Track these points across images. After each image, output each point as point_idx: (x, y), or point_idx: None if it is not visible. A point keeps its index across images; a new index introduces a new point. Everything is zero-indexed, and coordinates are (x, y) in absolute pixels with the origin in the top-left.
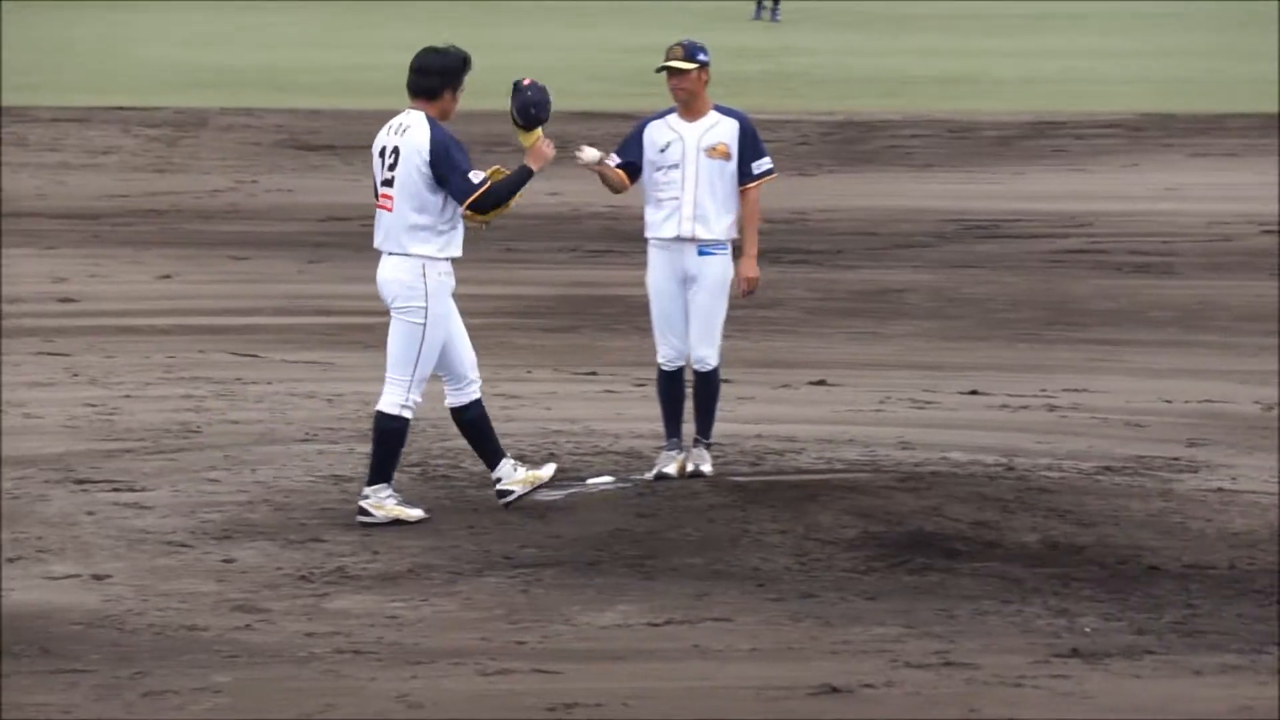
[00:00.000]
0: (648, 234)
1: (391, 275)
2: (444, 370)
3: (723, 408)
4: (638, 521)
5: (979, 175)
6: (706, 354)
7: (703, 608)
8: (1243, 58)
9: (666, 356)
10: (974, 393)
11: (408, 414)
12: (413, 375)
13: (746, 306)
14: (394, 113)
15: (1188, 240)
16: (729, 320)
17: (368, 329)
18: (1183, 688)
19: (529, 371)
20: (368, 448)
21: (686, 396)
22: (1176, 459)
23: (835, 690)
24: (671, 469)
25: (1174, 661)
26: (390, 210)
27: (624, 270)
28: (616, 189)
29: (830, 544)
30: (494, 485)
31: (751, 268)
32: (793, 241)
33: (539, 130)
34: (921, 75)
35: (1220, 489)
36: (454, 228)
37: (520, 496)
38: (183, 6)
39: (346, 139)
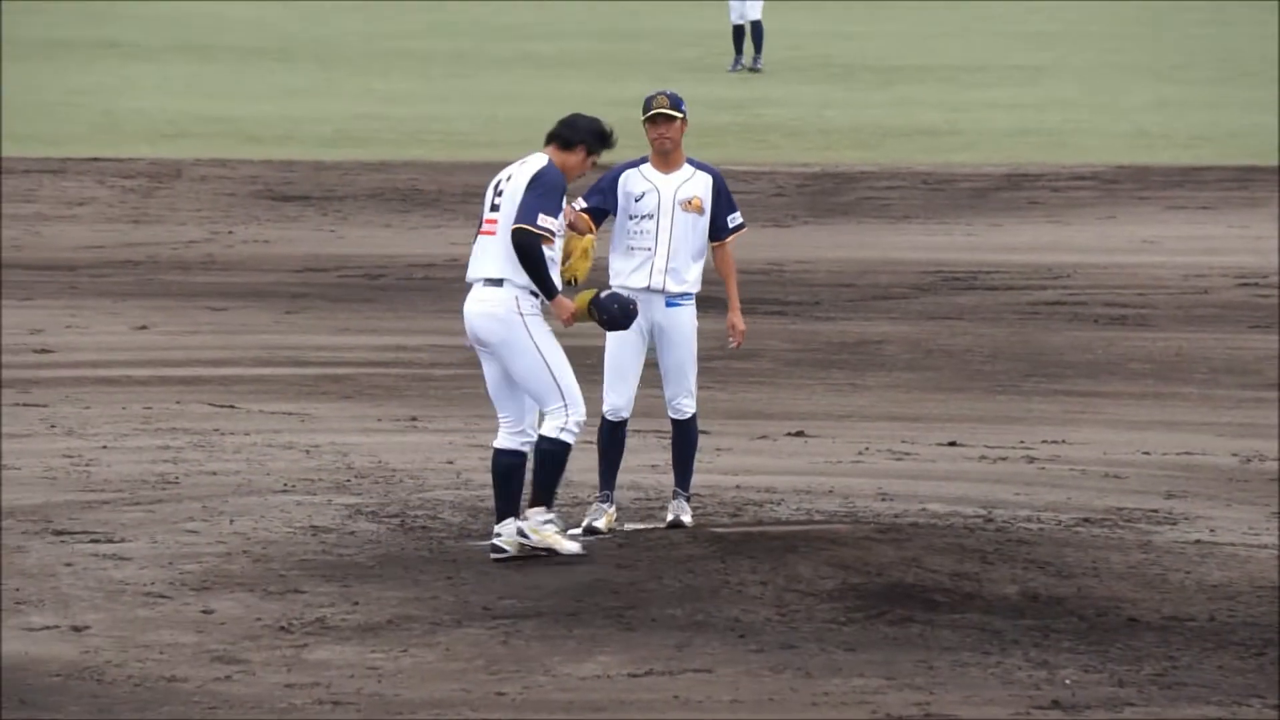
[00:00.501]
0: (614, 282)
1: (482, 309)
2: (506, 408)
3: (701, 459)
4: (617, 572)
5: (956, 227)
6: (686, 403)
7: (683, 659)
8: (1218, 110)
9: (614, 406)
10: (953, 444)
11: (569, 437)
12: (562, 397)
13: (723, 357)
14: (370, 164)
15: (1164, 292)
16: (702, 371)
17: (345, 380)
18: None
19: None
20: (345, 498)
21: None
22: (1155, 511)
23: None
24: (601, 523)
25: (1154, 714)
26: (493, 235)
27: None
28: (581, 234)
29: (810, 595)
30: (491, 536)
31: (741, 319)
32: (769, 293)
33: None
34: (898, 127)
35: (1199, 541)
36: (552, 261)
37: (509, 557)
38: (157, 58)
39: (321, 190)
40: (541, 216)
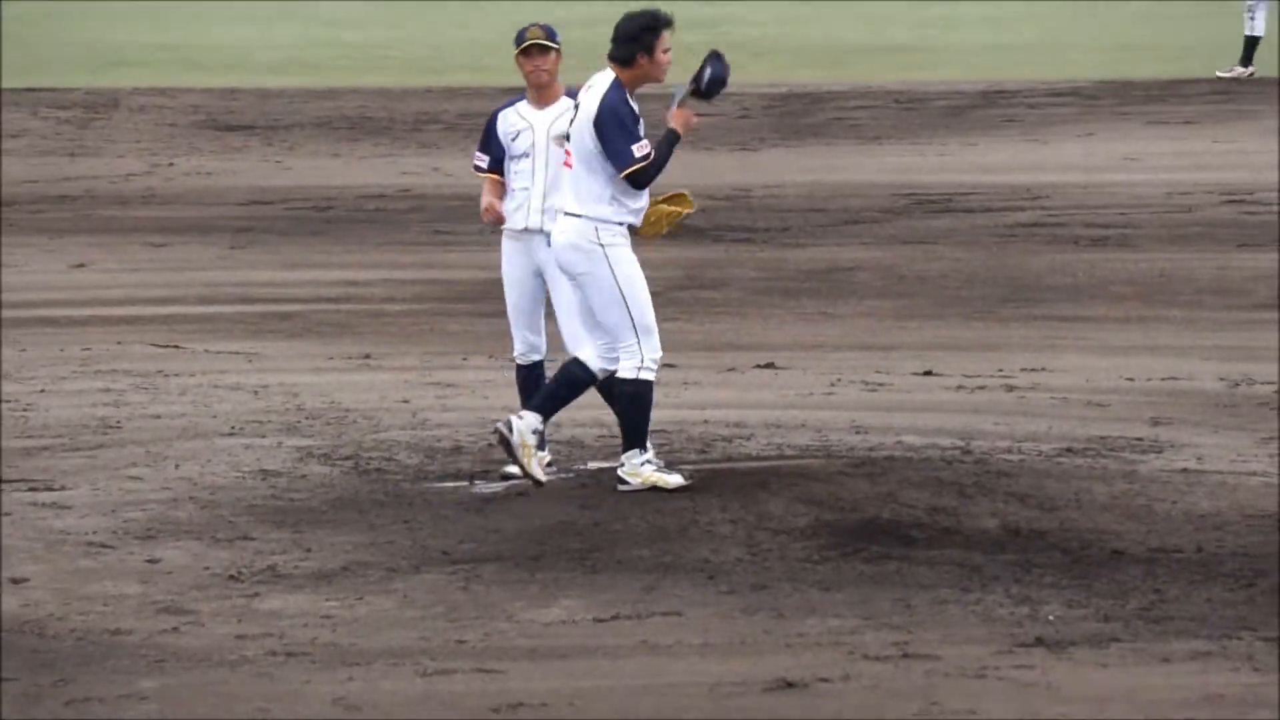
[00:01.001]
0: (505, 227)
1: (564, 240)
2: (598, 334)
3: (668, 393)
4: (581, 513)
5: (929, 147)
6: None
7: (651, 602)
8: (1204, 20)
9: (519, 350)
10: (928, 373)
11: (648, 375)
12: (636, 334)
13: (689, 287)
14: (317, 91)
15: (1147, 211)
16: (668, 303)
17: (294, 317)
18: (1151, 676)
19: (464, 359)
20: (296, 440)
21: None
22: (1140, 439)
23: (790, 685)
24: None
25: (1141, 649)
26: (570, 167)
27: None
28: (498, 220)
29: (782, 533)
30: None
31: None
32: (736, 219)
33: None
34: (868, 44)
35: (1185, 469)
36: (630, 195)
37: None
38: None
39: (266, 119)
40: (635, 149)
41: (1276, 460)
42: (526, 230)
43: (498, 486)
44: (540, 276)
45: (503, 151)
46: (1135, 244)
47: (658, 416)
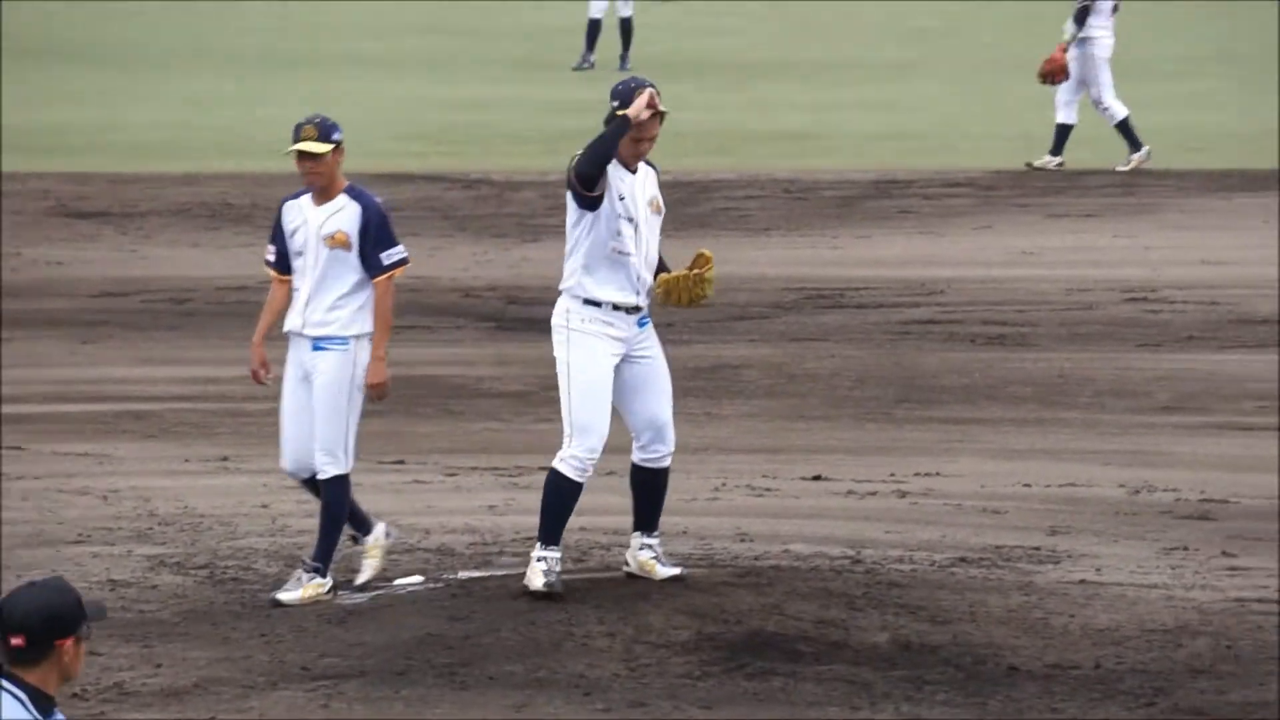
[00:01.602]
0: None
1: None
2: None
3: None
4: (451, 625)
5: (821, 239)
6: (322, 461)
7: None
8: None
9: (282, 462)
10: (818, 478)
11: (567, 469)
12: (570, 424)
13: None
14: (175, 176)
15: (1046, 309)
16: (546, 402)
17: (148, 416)
18: None
19: None
20: (147, 548)
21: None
22: (1037, 549)
23: None
24: (294, 595)
25: None
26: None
27: (432, 347)
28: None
29: (662, 647)
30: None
31: (377, 372)
32: None
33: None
34: (758, 131)
35: (1084, 581)
36: (601, 265)
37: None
38: None
39: (121, 205)
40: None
41: (1176, 572)
42: (291, 333)
43: (361, 597)
44: (309, 383)
45: (285, 246)
46: (1034, 343)
47: (530, 523)
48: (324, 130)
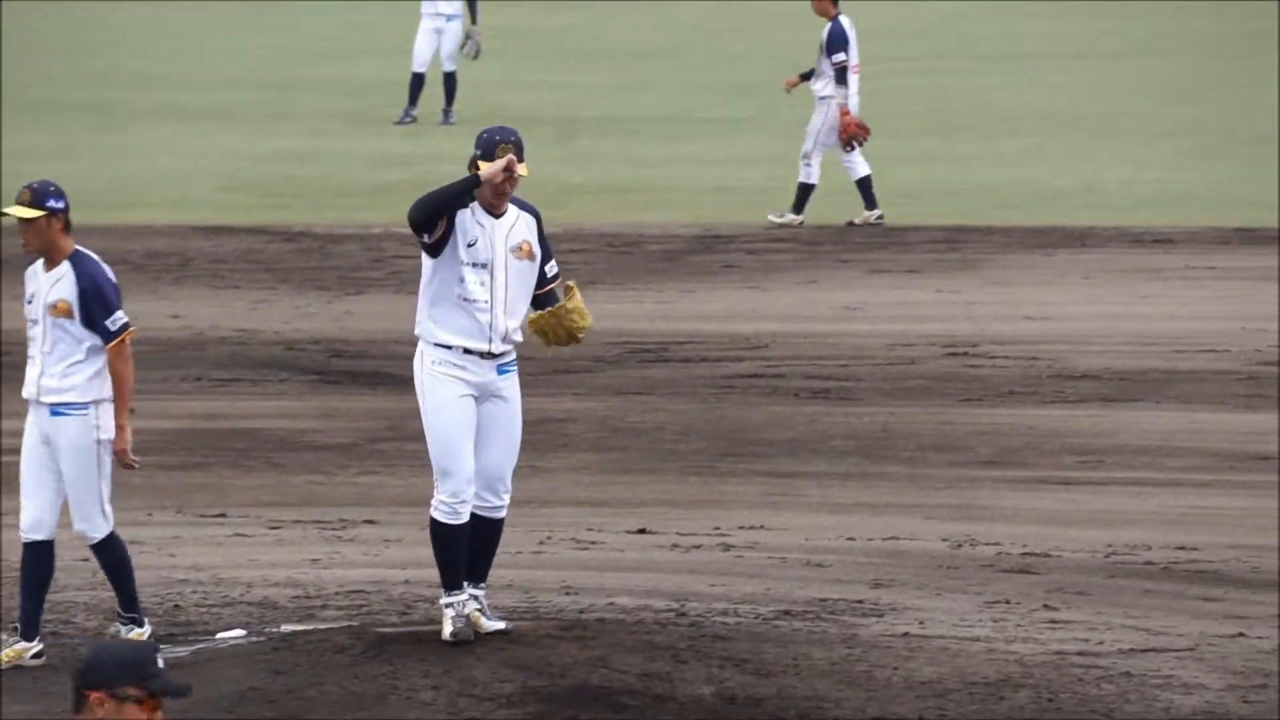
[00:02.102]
0: None
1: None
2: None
3: (368, 550)
4: (273, 679)
5: (645, 293)
6: (84, 528)
7: None
8: (928, 165)
9: (22, 522)
10: (642, 531)
11: (437, 513)
12: (435, 469)
13: (391, 439)
14: None
15: (869, 363)
16: (369, 454)
17: None
18: None
19: (149, 514)
20: None
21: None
22: (860, 601)
23: None
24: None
25: None
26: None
27: (255, 400)
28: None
29: (487, 700)
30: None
31: (121, 440)
32: None
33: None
34: (581, 184)
35: (907, 634)
36: (445, 309)
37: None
38: None
39: None
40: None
41: (999, 625)
42: (30, 400)
43: (182, 651)
44: (49, 446)
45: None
46: (857, 397)
47: (354, 576)
48: (39, 196)
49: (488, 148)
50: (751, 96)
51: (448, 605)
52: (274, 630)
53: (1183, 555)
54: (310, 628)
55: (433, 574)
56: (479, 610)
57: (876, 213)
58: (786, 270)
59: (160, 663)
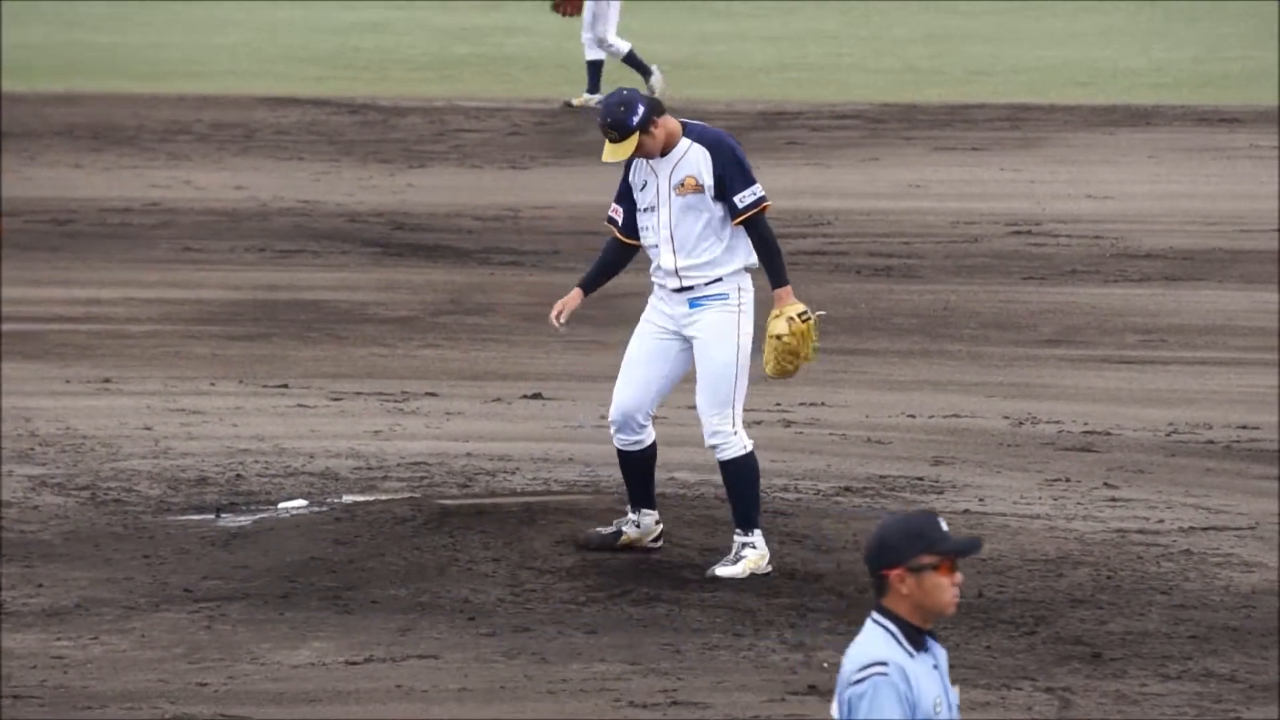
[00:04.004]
0: None
1: None
2: None
3: (428, 424)
4: (334, 549)
5: None
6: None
7: (407, 644)
8: (994, 44)
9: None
10: None
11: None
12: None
13: (453, 311)
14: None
15: (932, 241)
16: (430, 327)
17: (29, 337)
18: None
19: (212, 384)
20: (28, 469)
21: None
22: (921, 479)
23: None
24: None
25: None
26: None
27: (318, 272)
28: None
29: (547, 573)
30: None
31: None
32: (504, 241)
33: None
34: (645, 59)
35: (967, 510)
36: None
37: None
38: None
39: (4, 125)
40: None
41: (1058, 503)
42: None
43: (245, 520)
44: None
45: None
46: (919, 274)
47: (415, 448)
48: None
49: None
50: None
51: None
52: (335, 501)
53: (1244, 435)
54: (371, 499)
55: (493, 447)
56: (636, 532)
57: (598, 96)
58: (850, 148)
59: (944, 526)
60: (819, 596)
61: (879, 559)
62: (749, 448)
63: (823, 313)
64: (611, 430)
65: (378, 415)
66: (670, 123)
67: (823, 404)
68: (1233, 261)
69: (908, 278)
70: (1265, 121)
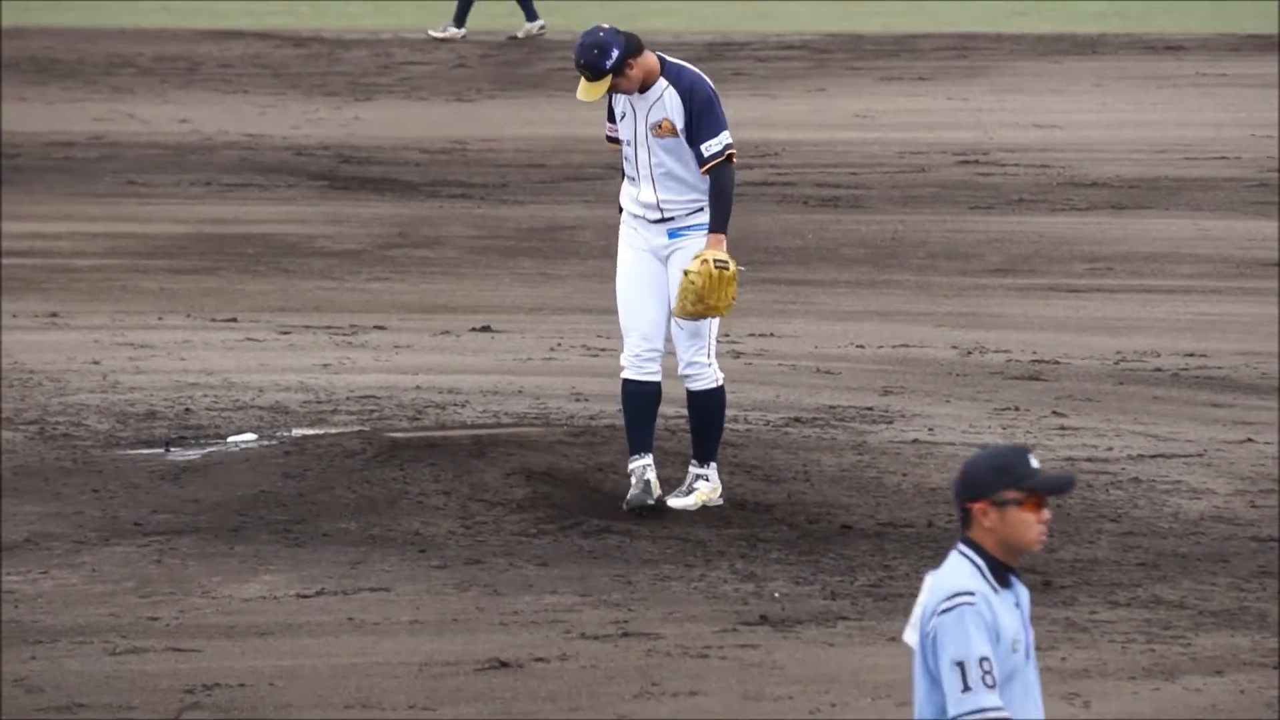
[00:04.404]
0: None
1: None
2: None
3: (377, 357)
4: (284, 483)
5: None
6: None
7: (358, 577)
8: None
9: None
10: None
11: (625, 372)
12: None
13: (401, 245)
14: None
15: (879, 171)
16: (380, 260)
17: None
18: (878, 655)
19: (159, 318)
20: None
21: None
22: (870, 409)
23: (504, 665)
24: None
25: (868, 628)
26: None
27: (264, 205)
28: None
29: (498, 505)
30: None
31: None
32: (451, 174)
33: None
34: None
35: (916, 440)
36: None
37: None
38: None
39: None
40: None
41: (1008, 432)
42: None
43: (194, 454)
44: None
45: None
46: (867, 205)
47: (365, 381)
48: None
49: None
50: None
51: (629, 471)
52: (285, 434)
53: (1191, 362)
54: (321, 432)
55: (443, 380)
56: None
57: (539, 23)
58: (796, 78)
59: (1034, 462)
60: (770, 527)
61: (964, 491)
62: (720, 381)
63: (743, 269)
64: (629, 366)
65: (326, 349)
66: (649, 60)
67: (771, 335)
68: (1179, 189)
69: (855, 208)
70: (1210, 49)
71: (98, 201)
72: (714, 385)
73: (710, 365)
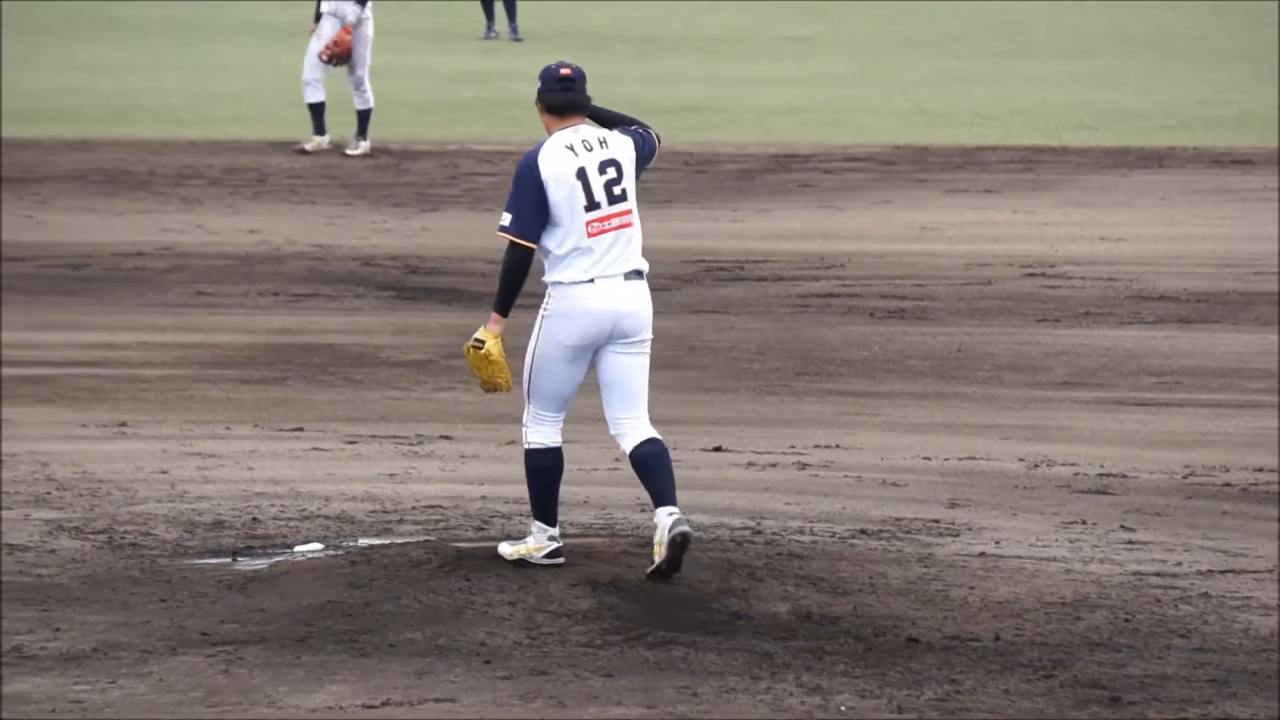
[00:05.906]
0: None
1: (643, 303)
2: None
3: (444, 466)
4: (350, 593)
5: (721, 212)
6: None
7: (424, 687)
8: (1002, 86)
9: None
10: (718, 449)
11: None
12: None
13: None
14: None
15: (945, 283)
16: (443, 370)
17: (45, 381)
18: None
19: (227, 428)
20: (45, 513)
21: None
22: (936, 521)
23: None
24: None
25: None
26: (631, 225)
27: (332, 315)
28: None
29: (563, 616)
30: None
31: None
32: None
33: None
34: (657, 103)
35: (983, 554)
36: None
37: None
38: None
39: (17, 170)
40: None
41: (1075, 546)
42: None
43: (261, 563)
44: None
45: None
46: (933, 317)
47: (431, 491)
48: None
49: (546, 78)
50: (822, 16)
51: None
52: (351, 544)
53: (1261, 477)
54: (387, 542)
55: (509, 490)
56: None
57: (366, 144)
58: (862, 190)
59: None
60: (836, 640)
61: None
62: (530, 444)
63: (484, 351)
64: (547, 436)
65: (393, 458)
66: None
67: (838, 446)
68: (1247, 304)
69: (921, 320)
70: (1275, 164)
71: (166, 311)
72: (526, 447)
73: (525, 428)
